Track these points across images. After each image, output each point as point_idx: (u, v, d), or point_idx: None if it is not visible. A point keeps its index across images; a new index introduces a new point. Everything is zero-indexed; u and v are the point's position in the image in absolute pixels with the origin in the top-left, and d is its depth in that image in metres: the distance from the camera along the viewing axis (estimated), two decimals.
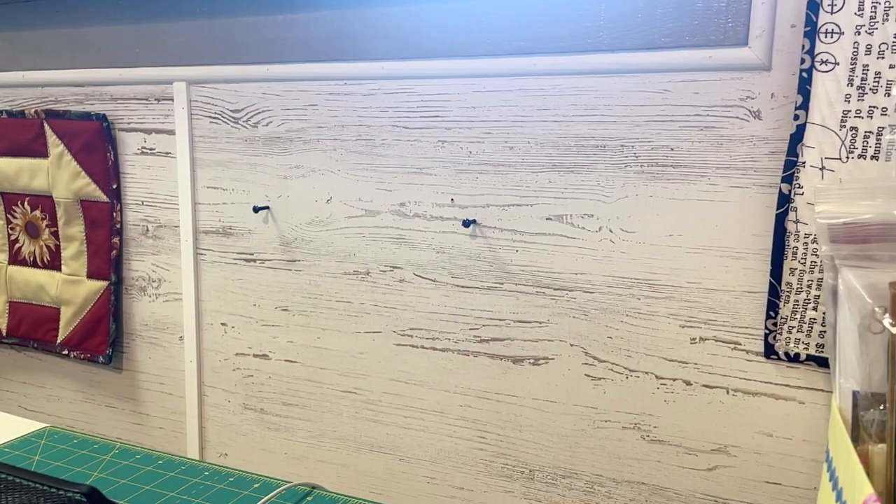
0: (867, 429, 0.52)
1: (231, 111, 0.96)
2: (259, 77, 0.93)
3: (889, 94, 0.62)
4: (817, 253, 0.68)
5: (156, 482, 0.67)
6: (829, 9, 0.63)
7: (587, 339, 0.80)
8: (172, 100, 1.00)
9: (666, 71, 0.73)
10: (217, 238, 1.00)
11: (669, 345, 0.77)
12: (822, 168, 0.66)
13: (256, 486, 0.67)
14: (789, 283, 0.69)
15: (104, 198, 1.07)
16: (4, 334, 1.19)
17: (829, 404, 0.71)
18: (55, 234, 1.12)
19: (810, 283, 0.68)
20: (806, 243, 0.68)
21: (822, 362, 0.70)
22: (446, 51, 0.82)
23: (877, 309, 0.53)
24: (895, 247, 0.57)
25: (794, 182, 0.68)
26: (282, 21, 0.91)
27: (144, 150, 1.04)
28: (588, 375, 0.81)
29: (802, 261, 0.69)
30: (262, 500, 0.63)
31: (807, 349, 0.70)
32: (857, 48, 0.63)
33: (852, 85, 0.64)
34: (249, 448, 1.03)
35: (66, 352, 1.13)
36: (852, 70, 0.63)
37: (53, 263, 1.13)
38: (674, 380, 0.77)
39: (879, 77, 0.62)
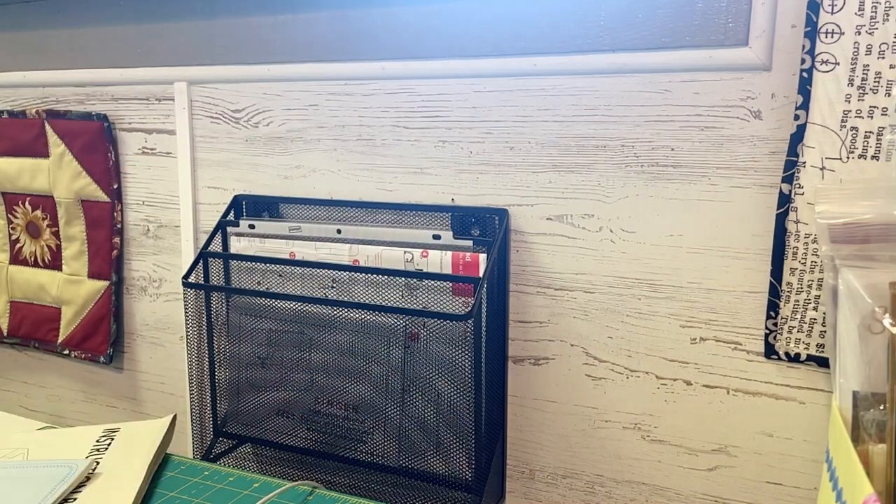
0: (867, 429, 0.52)
1: (232, 111, 0.96)
2: (259, 77, 0.93)
3: (889, 94, 0.62)
4: (817, 253, 0.68)
5: (155, 482, 0.67)
6: (829, 9, 0.63)
7: (587, 339, 0.80)
8: (173, 100, 1.00)
9: (666, 71, 0.73)
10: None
11: (670, 345, 0.77)
12: (823, 168, 0.66)
13: (256, 485, 0.67)
14: (790, 283, 0.69)
15: (105, 198, 1.07)
16: (5, 334, 1.19)
17: (829, 404, 0.71)
18: (56, 234, 1.12)
19: (811, 283, 0.68)
20: (806, 243, 0.68)
21: (823, 362, 0.70)
22: (447, 51, 0.82)
23: (877, 309, 0.53)
24: (895, 247, 0.57)
25: (795, 182, 0.68)
26: (282, 21, 0.91)
27: (145, 150, 1.04)
28: (588, 375, 0.81)
29: (803, 261, 0.69)
30: (262, 500, 0.63)
31: (807, 349, 0.70)
32: (858, 48, 0.63)
33: (853, 85, 0.64)
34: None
35: (66, 351, 1.14)
36: (853, 70, 0.63)
37: (54, 263, 1.13)
38: (674, 380, 0.77)
39: (880, 77, 0.62)
